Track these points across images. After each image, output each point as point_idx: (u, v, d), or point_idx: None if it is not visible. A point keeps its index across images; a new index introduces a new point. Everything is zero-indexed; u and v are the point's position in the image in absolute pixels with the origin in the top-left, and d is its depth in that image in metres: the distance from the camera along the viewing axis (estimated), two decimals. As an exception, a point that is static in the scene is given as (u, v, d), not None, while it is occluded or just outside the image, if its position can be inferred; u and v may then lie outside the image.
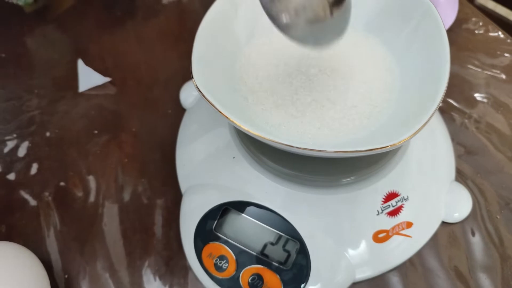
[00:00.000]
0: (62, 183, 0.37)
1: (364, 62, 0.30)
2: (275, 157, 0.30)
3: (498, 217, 0.34)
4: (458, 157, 0.37)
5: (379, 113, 0.28)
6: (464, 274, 0.31)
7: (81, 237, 0.34)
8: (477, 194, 0.35)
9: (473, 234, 0.33)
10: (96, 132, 0.40)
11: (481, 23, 0.48)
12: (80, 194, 0.36)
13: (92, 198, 0.36)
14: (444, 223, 0.33)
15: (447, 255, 0.32)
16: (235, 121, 0.24)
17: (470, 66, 0.44)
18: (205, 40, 0.28)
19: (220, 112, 0.24)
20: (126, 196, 0.36)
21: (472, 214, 0.34)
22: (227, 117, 0.24)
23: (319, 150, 0.23)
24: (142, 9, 0.49)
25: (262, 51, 0.31)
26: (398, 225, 0.30)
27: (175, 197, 0.35)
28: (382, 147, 0.23)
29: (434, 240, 0.33)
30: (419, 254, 0.32)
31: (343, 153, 0.23)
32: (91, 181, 0.37)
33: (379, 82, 0.29)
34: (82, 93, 0.42)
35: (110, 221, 0.35)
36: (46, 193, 0.36)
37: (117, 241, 0.34)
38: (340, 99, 0.28)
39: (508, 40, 0.45)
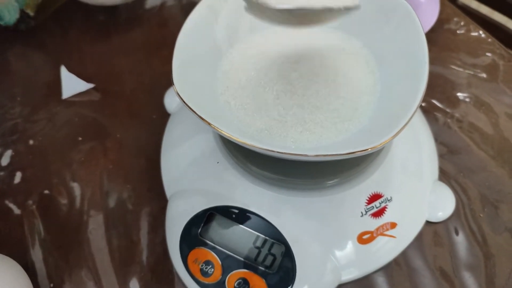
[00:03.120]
0: (46, 191, 0.37)
1: (345, 65, 0.30)
2: (259, 162, 0.30)
3: (481, 215, 0.34)
4: (441, 156, 0.37)
5: (360, 115, 0.28)
6: (449, 273, 0.32)
7: (66, 245, 0.34)
8: (460, 193, 0.35)
9: (457, 233, 0.34)
10: (80, 139, 0.40)
11: (462, 23, 0.48)
12: (64, 201, 0.36)
13: (77, 205, 0.36)
14: (428, 223, 0.34)
15: (432, 255, 0.33)
16: (216, 127, 0.24)
17: (452, 66, 0.44)
18: (186, 46, 0.28)
19: (202, 119, 0.25)
20: (111, 203, 0.36)
21: (456, 213, 0.34)
22: (209, 123, 0.24)
23: (300, 155, 0.23)
24: (124, 15, 0.49)
25: (244, 56, 0.31)
26: (382, 226, 0.31)
27: (160, 203, 0.35)
28: (363, 150, 0.23)
29: (418, 240, 0.33)
30: (404, 254, 0.32)
31: (323, 156, 0.23)
32: (76, 188, 0.37)
33: (361, 85, 0.29)
34: (66, 100, 0.42)
35: (95, 228, 0.35)
36: (30, 202, 0.36)
37: (103, 249, 0.33)
38: (321, 102, 0.28)
39: (489, 40, 0.46)
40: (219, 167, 0.32)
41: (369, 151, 0.23)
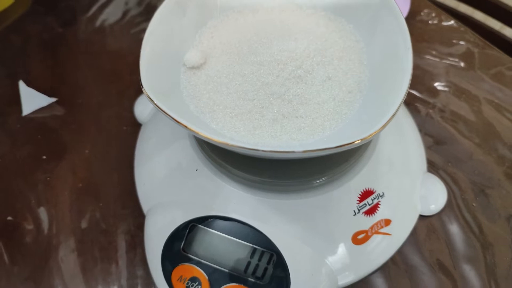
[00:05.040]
0: (9, 218, 0.33)
1: (329, 57, 0.28)
2: (241, 165, 0.28)
3: (474, 204, 0.33)
4: (427, 148, 0.36)
5: (347, 108, 0.26)
6: (448, 267, 0.30)
7: (35, 276, 0.31)
8: (451, 183, 0.34)
9: (452, 225, 0.32)
10: (44, 157, 0.36)
11: (433, 14, 0.48)
12: (30, 227, 0.33)
13: (44, 230, 0.33)
14: (421, 217, 0.32)
15: (428, 249, 0.31)
16: (195, 130, 0.22)
17: (428, 57, 0.44)
18: (154, 44, 0.26)
19: (179, 123, 0.22)
20: (83, 224, 0.33)
21: (448, 205, 0.33)
22: (186, 127, 0.22)
23: (287, 152, 0.21)
24: (84, 27, 0.46)
25: (218, 48, 0.29)
26: (376, 223, 0.29)
27: (137, 220, 0.33)
28: (351, 143, 0.21)
29: (413, 235, 0.31)
30: (400, 252, 0.31)
31: (312, 152, 0.21)
32: (42, 212, 0.34)
33: (346, 78, 0.28)
34: (26, 117, 0.39)
35: (66, 254, 0.31)
36: (-10, 230, 0.33)
37: (76, 275, 0.30)
38: (306, 97, 0.26)
39: (462, 29, 0.46)
40: (198, 174, 0.30)
41: (358, 143, 0.22)
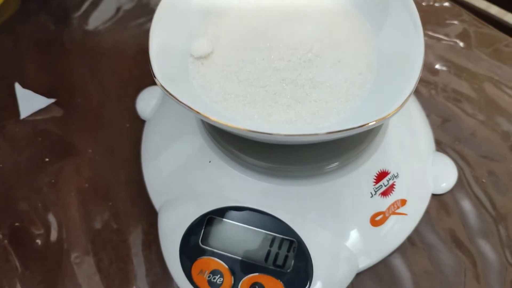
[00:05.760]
0: (16, 223, 0.32)
1: (337, 40, 0.28)
2: (256, 153, 0.27)
3: (483, 180, 0.34)
4: (433, 127, 0.36)
5: (359, 90, 0.26)
6: (464, 243, 0.31)
7: (48, 279, 0.30)
8: (459, 161, 0.34)
9: (464, 202, 0.33)
10: (47, 160, 0.35)
11: (427, -4, 0.48)
12: (39, 231, 0.32)
13: (54, 234, 0.32)
14: (434, 196, 0.33)
15: (443, 227, 0.31)
16: (218, 120, 0.22)
17: (425, 38, 0.44)
18: (160, 35, 0.26)
19: (200, 113, 0.22)
20: (94, 224, 0.32)
21: (459, 182, 0.33)
22: (209, 118, 0.22)
23: (311, 134, 0.21)
24: (76, 21, 0.45)
25: (224, 37, 0.29)
26: (393, 204, 0.29)
27: (149, 217, 0.32)
28: (378, 119, 0.21)
29: (427, 214, 0.32)
30: (416, 231, 0.31)
31: (336, 133, 0.21)
32: (50, 214, 0.33)
33: (355, 60, 0.27)
34: (25, 120, 0.38)
35: (80, 255, 0.31)
36: (0, 237, 0.31)
37: (92, 276, 0.30)
38: (318, 81, 0.26)
39: (456, 9, 0.46)
40: (211, 166, 0.29)
41: (380, 122, 0.22)
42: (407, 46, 0.25)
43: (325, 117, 0.25)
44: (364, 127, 0.21)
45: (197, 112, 0.21)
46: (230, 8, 0.30)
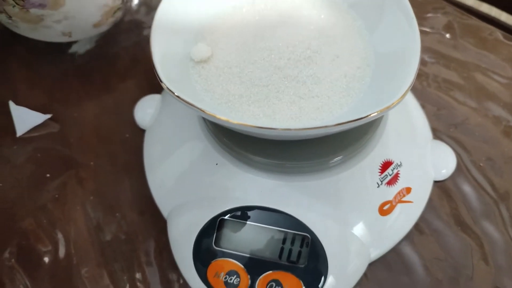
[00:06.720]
0: (23, 242, 0.32)
1: (333, 36, 0.29)
2: (263, 152, 0.28)
3: (481, 164, 0.35)
4: (428, 116, 0.37)
5: (359, 83, 0.27)
6: (470, 225, 0.31)
7: (61, 296, 0.29)
8: (456, 147, 0.35)
9: (465, 186, 0.33)
10: (48, 175, 0.35)
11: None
12: (47, 248, 0.31)
13: (62, 249, 0.31)
14: (435, 183, 0.33)
15: (447, 212, 0.32)
16: (231, 120, 0.22)
17: (411, 32, 0.45)
18: (161, 40, 0.26)
19: (209, 114, 0.22)
20: (102, 236, 0.32)
21: (458, 168, 0.34)
22: (216, 117, 0.22)
23: (321, 127, 0.21)
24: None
25: (222, 40, 0.29)
26: (399, 192, 0.30)
27: (157, 224, 0.32)
28: (382, 109, 0.22)
29: (431, 201, 0.32)
30: (422, 218, 0.31)
31: (344, 124, 0.22)
32: (57, 230, 0.32)
33: (352, 55, 0.28)
34: (22, 137, 0.37)
35: (90, 269, 0.30)
36: (7, 256, 0.31)
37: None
38: (319, 77, 0.27)
39: (439, 2, 0.47)
40: (218, 168, 0.29)
41: (386, 110, 0.22)
42: (403, 39, 0.26)
43: (329, 111, 0.26)
44: (370, 116, 0.22)
45: (212, 115, 0.22)
46: (225, 13, 0.31)
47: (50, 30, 0.37)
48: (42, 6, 0.33)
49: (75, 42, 0.43)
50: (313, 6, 0.31)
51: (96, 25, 0.38)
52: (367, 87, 0.27)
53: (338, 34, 0.29)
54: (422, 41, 0.44)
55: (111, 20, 0.39)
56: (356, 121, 0.22)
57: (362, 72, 0.27)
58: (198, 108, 0.22)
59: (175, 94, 0.23)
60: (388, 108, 0.22)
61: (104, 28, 0.40)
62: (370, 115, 0.22)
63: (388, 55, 0.27)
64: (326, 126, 0.22)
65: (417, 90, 0.39)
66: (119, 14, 0.40)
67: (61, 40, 0.40)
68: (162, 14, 0.27)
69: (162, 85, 0.23)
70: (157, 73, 0.24)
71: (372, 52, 0.28)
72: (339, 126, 0.22)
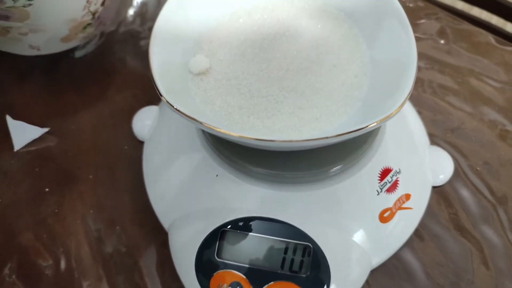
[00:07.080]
0: (23, 257, 0.32)
1: (330, 46, 0.29)
2: (263, 163, 0.28)
3: (478, 168, 0.35)
4: (425, 122, 0.37)
5: (357, 92, 0.27)
6: (469, 230, 0.32)
7: (63, 311, 0.29)
8: (453, 152, 0.36)
9: (463, 191, 0.34)
10: (47, 190, 0.35)
11: (401, -2, 0.50)
12: (48, 263, 0.31)
13: (63, 263, 0.31)
14: (433, 188, 0.34)
15: (447, 217, 0.33)
16: (231, 133, 0.22)
17: (405, 38, 0.45)
18: (159, 53, 0.26)
19: (209, 127, 0.22)
20: (103, 250, 0.32)
21: (455, 173, 0.34)
22: (216, 130, 0.22)
23: (322, 138, 0.22)
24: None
25: (220, 52, 0.29)
26: (398, 199, 0.30)
27: (158, 237, 0.32)
28: (383, 118, 0.22)
29: (430, 206, 0.33)
30: (421, 224, 0.32)
31: (344, 135, 0.22)
32: (57, 244, 0.32)
33: (349, 63, 0.28)
34: (19, 151, 0.37)
35: (93, 282, 0.30)
36: (7, 272, 0.31)
37: (108, 302, 0.29)
38: (317, 87, 0.27)
39: (430, 7, 0.48)
40: (218, 180, 0.30)
41: (386, 119, 0.23)
42: (400, 47, 0.26)
43: (328, 121, 0.26)
44: (370, 126, 0.22)
45: (212, 128, 0.22)
46: (222, 24, 0.31)
47: (18, 43, 0.37)
48: (7, 18, 0.32)
49: (73, 53, 0.43)
50: (309, 15, 0.31)
51: (64, 40, 0.38)
52: (365, 95, 0.27)
53: (335, 43, 0.29)
54: (416, 47, 0.44)
55: (81, 36, 0.39)
56: (356, 132, 0.22)
57: (359, 81, 0.28)
58: (198, 121, 0.22)
59: (175, 107, 0.23)
60: (388, 117, 0.23)
61: (75, 43, 0.40)
62: (370, 125, 0.22)
63: (385, 63, 0.27)
64: (326, 137, 0.22)
65: (413, 96, 0.40)
66: (90, 30, 0.39)
67: (31, 54, 0.40)
68: (160, 25, 0.27)
69: (162, 98, 0.23)
70: (156, 86, 0.24)
71: (369, 60, 0.29)
72: (339, 137, 0.22)
